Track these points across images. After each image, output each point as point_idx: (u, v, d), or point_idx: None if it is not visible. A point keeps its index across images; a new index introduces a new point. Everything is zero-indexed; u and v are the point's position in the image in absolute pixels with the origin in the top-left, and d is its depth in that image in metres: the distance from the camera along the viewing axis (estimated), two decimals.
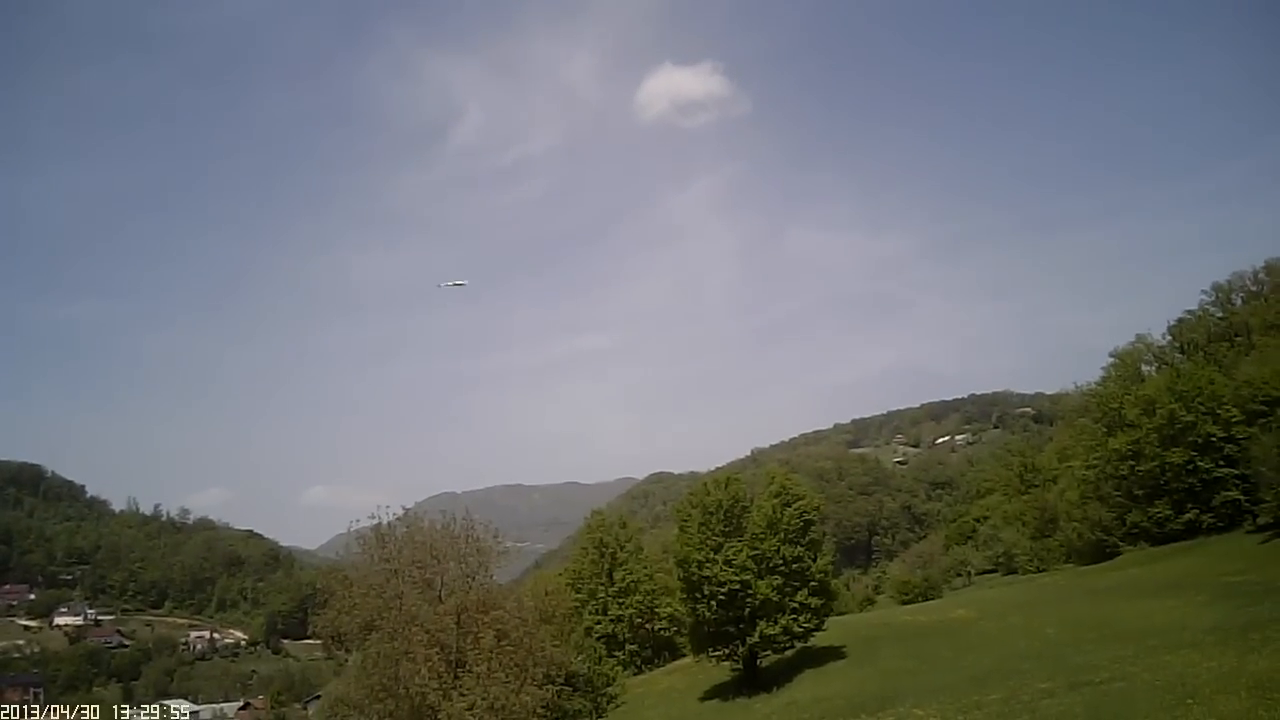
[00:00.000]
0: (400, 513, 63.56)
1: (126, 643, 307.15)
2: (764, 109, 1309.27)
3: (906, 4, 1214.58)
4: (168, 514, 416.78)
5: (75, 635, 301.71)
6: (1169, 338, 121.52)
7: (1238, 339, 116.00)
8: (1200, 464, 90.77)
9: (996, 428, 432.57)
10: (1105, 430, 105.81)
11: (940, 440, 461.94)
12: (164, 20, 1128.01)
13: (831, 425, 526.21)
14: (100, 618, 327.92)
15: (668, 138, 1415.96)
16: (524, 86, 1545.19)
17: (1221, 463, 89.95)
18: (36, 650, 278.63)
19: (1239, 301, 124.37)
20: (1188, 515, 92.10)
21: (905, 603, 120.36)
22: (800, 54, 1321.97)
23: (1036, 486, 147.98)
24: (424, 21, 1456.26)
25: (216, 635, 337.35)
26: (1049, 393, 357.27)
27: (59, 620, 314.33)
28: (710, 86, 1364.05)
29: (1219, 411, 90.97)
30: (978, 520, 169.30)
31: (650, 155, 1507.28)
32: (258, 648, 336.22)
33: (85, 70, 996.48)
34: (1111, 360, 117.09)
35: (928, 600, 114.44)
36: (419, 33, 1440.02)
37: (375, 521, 59.61)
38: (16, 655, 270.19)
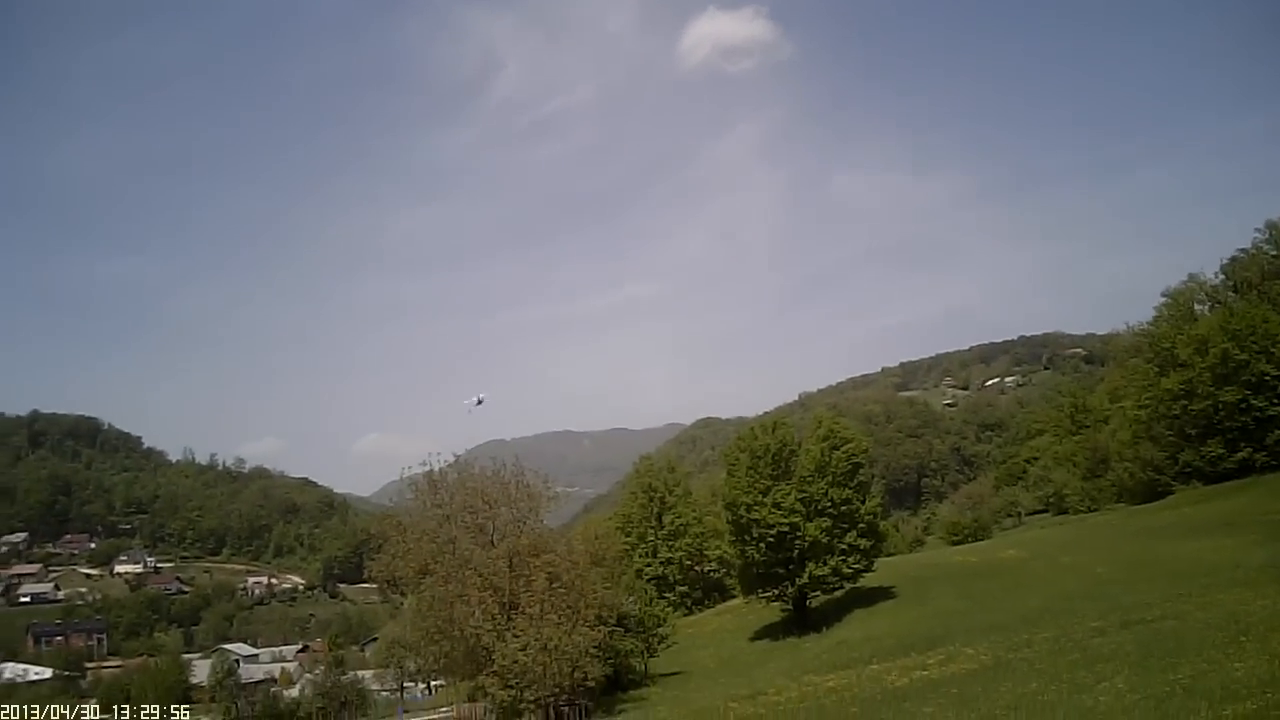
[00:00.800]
0: (451, 460, 64.36)
1: (186, 589, 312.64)
2: (808, 52, 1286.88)
3: None
4: (224, 463, 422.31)
5: (136, 583, 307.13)
6: (1222, 276, 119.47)
7: None
8: (1254, 402, 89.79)
9: (1047, 369, 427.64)
10: (1157, 370, 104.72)
11: (990, 382, 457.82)
12: None
13: (880, 369, 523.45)
14: (160, 565, 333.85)
15: (711, 85, 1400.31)
16: (563, 38, 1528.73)
17: (1275, 401, 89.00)
18: (98, 598, 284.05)
19: None
20: (1241, 454, 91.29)
21: (955, 544, 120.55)
22: None
23: (1087, 427, 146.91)
24: None
25: (274, 581, 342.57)
26: (1100, 333, 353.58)
27: (119, 568, 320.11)
28: (754, 30, 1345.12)
29: (1273, 350, 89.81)
30: (1028, 461, 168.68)
31: (693, 103, 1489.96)
32: (315, 592, 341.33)
33: (127, 31, 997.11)
34: (1164, 300, 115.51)
35: (977, 541, 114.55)
36: None
37: (427, 468, 60.33)
38: (80, 603, 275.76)
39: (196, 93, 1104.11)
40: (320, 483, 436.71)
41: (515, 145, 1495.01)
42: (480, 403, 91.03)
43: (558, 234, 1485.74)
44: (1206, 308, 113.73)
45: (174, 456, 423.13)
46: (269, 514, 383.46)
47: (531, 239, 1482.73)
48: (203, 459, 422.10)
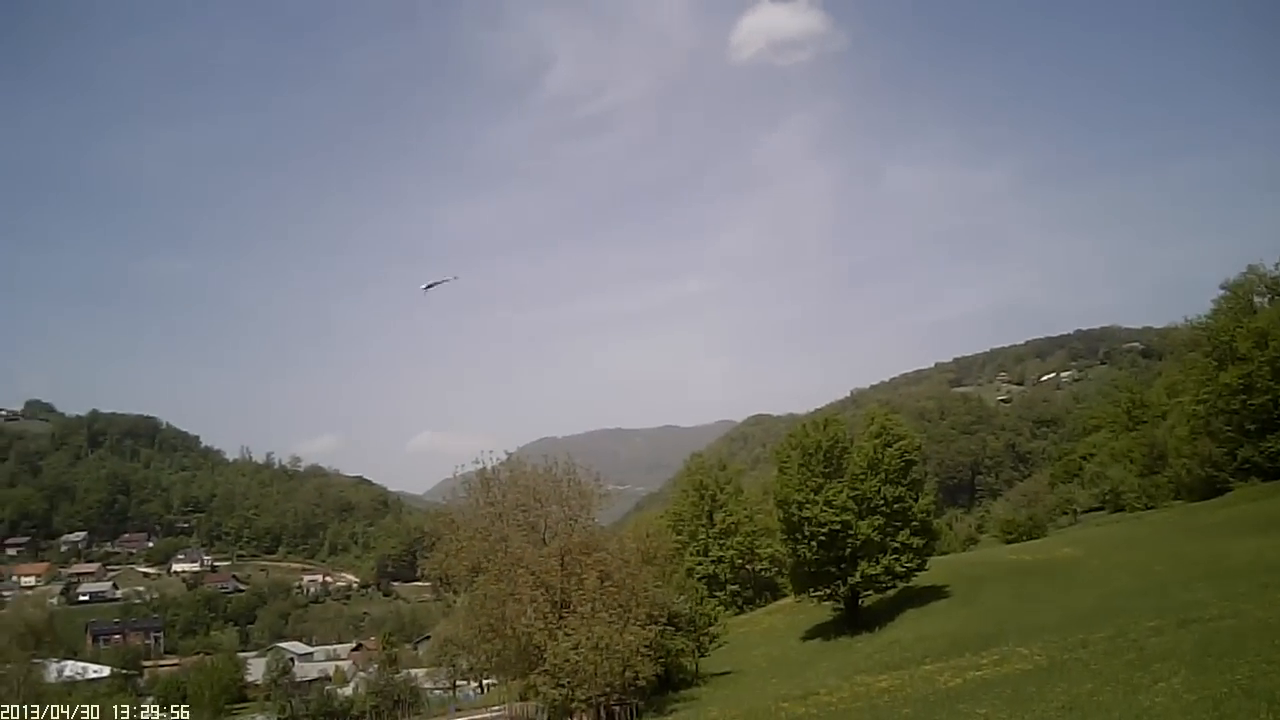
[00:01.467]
0: (503, 458, 64.81)
1: (242, 587, 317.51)
2: (861, 43, 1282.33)
3: None
4: (280, 462, 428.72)
5: (193, 581, 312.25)
6: None
7: None
8: None
9: (1103, 364, 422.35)
10: (1216, 364, 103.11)
11: (1045, 378, 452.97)
12: None
13: (933, 364, 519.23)
14: (216, 564, 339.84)
15: (763, 78, 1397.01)
16: (615, 32, 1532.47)
17: None
18: (156, 596, 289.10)
19: None
20: None
21: (1009, 542, 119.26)
22: None
23: (1145, 423, 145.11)
24: None
25: (329, 579, 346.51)
26: (1157, 327, 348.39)
27: (177, 567, 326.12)
28: (807, 22, 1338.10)
29: None
30: (1084, 458, 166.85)
31: (745, 96, 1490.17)
32: (369, 590, 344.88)
33: (183, 31, 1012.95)
34: (1222, 292, 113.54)
35: (1032, 539, 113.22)
36: None
37: (479, 466, 60.88)
38: (137, 601, 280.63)
39: (249, 88, 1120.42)
40: (374, 481, 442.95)
41: (567, 139, 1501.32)
42: (433, 287, 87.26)
43: (609, 228, 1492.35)
44: (1266, 300, 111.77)
45: (231, 455, 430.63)
46: (324, 512, 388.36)
47: (583, 234, 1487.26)
48: (259, 458, 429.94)
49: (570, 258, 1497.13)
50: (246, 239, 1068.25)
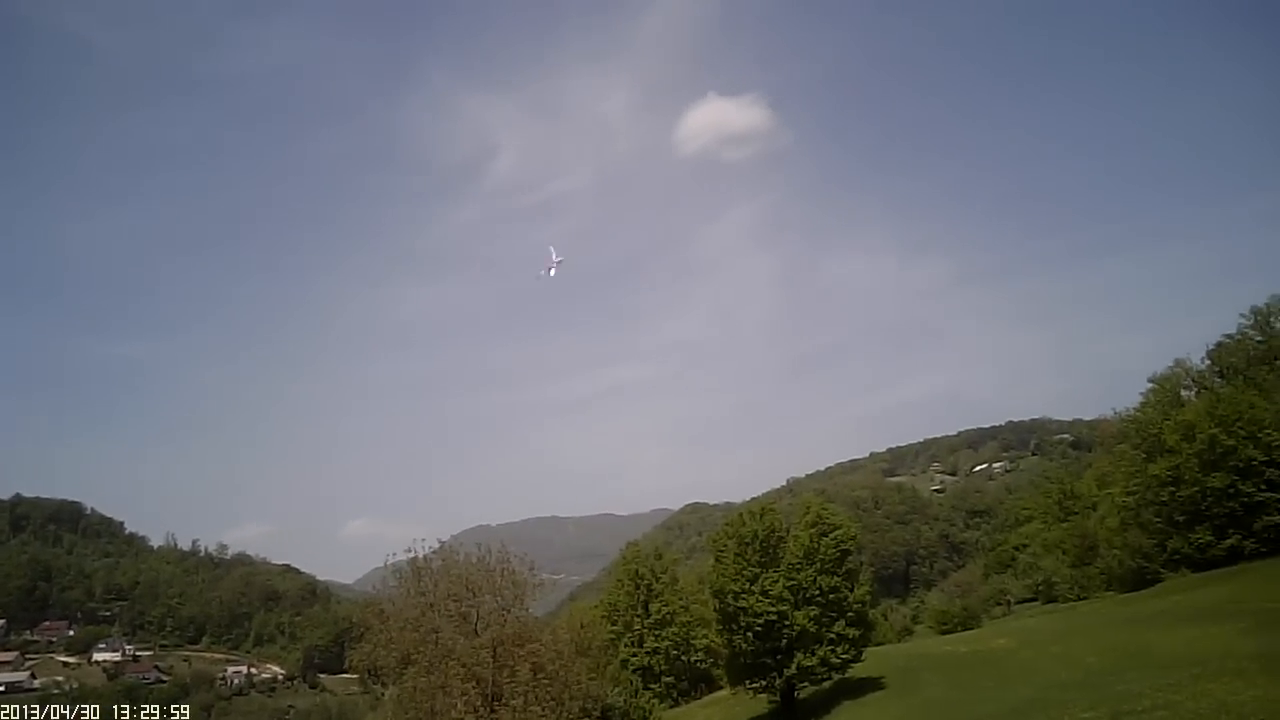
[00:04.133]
0: (436, 546, 63.89)
1: (165, 678, 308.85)
2: (806, 140, 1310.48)
3: (948, 32, 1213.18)
4: (205, 549, 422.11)
5: (114, 671, 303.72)
6: (1208, 362, 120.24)
7: (1277, 362, 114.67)
8: (1242, 488, 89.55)
9: (1035, 455, 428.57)
10: (1145, 456, 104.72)
11: (978, 468, 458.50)
12: (211, 66, 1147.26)
13: (868, 454, 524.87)
14: (138, 653, 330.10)
15: (708, 170, 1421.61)
16: (561, 123, 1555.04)
17: (1263, 487, 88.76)
18: (75, 686, 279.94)
19: (1279, 325, 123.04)
20: (1230, 541, 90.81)
21: (944, 632, 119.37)
22: (841, 83, 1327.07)
23: (1076, 514, 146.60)
24: (462, 63, 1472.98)
25: (254, 670, 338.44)
26: (1087, 419, 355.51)
27: (98, 656, 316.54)
28: (753, 118, 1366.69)
29: (1260, 435, 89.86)
30: (1017, 548, 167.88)
31: (690, 188, 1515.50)
32: (295, 682, 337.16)
33: (134, 115, 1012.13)
34: (1150, 385, 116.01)
35: (967, 630, 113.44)
36: (457, 74, 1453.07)
37: (411, 555, 59.89)
38: (56, 691, 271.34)
39: (195, 176, 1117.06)
40: (303, 569, 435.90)
41: (513, 227, 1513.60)
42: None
43: (552, 316, 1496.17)
44: (1193, 393, 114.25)
45: (156, 542, 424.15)
46: (250, 601, 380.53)
47: (526, 321, 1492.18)
48: (185, 545, 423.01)
49: (513, 344, 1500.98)
50: (181, 324, 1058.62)
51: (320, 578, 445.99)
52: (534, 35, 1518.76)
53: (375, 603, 65.46)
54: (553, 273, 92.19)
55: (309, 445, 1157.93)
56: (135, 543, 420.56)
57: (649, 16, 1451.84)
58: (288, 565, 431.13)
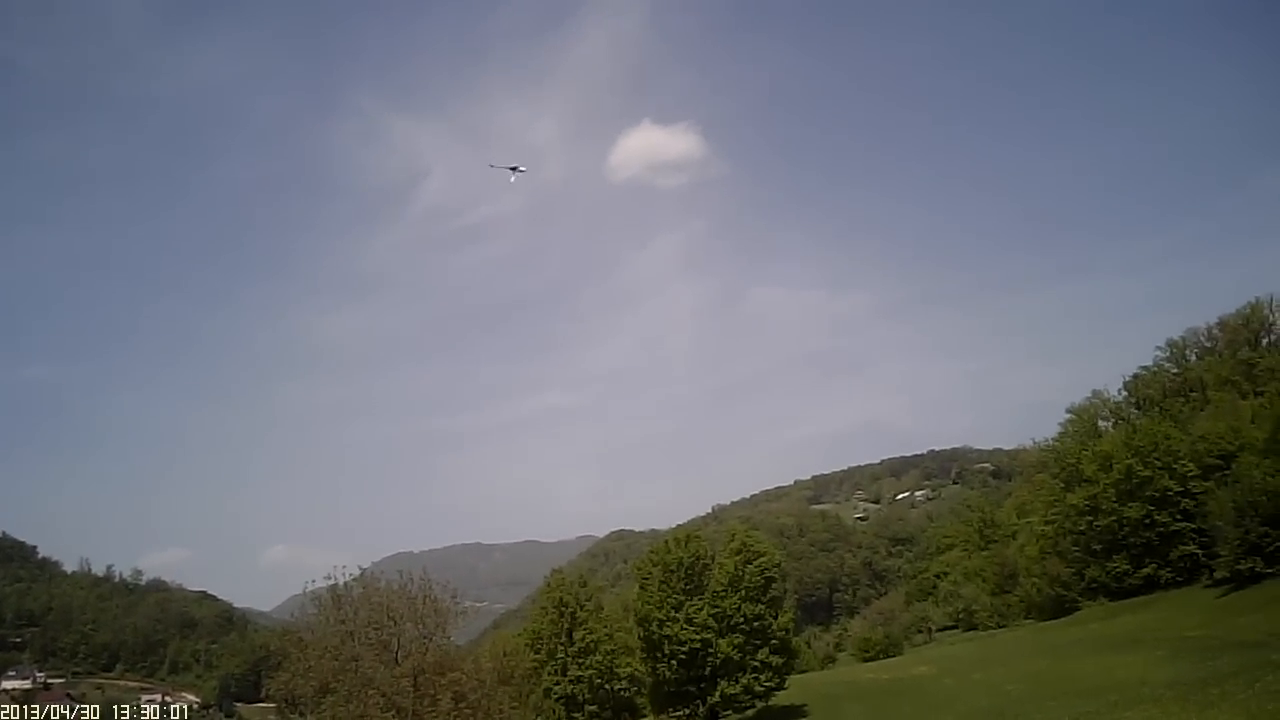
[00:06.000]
0: (357, 573, 62.71)
1: (77, 706, 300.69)
2: (737, 169, 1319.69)
3: (869, 72, 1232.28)
4: (120, 575, 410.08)
5: (23, 699, 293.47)
6: (1125, 393, 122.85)
7: (1193, 394, 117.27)
8: (1157, 518, 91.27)
9: (956, 483, 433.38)
10: (1063, 486, 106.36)
11: (900, 496, 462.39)
12: (132, 87, 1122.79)
13: (792, 482, 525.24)
14: (50, 681, 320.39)
15: (639, 198, 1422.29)
16: (490, 147, 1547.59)
17: (1179, 517, 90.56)
18: None
19: (1193, 358, 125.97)
20: (1146, 570, 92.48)
21: (867, 660, 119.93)
22: (772, 115, 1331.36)
23: (996, 542, 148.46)
24: (391, 89, 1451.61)
25: (169, 699, 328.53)
26: (1007, 448, 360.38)
27: (6, 684, 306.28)
28: (686, 145, 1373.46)
29: (1175, 466, 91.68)
30: (938, 576, 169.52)
31: (620, 215, 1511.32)
32: (210, 711, 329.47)
33: (50, 135, 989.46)
34: (1069, 416, 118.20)
35: (889, 657, 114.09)
36: (386, 100, 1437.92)
37: (331, 582, 58.70)
38: None
39: (113, 198, 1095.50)
40: (220, 596, 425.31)
41: (440, 251, 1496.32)
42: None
43: (478, 341, 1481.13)
44: (1110, 424, 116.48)
45: (70, 567, 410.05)
46: (165, 628, 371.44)
47: (450, 345, 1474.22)
48: (99, 570, 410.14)
49: (438, 370, 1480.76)
50: (97, 347, 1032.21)
51: (238, 605, 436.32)
52: (466, 60, 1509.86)
53: (294, 630, 64.06)
54: (513, 180, 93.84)
55: (227, 470, 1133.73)
56: (48, 567, 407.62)
57: (583, 43, 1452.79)
58: (204, 592, 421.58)
